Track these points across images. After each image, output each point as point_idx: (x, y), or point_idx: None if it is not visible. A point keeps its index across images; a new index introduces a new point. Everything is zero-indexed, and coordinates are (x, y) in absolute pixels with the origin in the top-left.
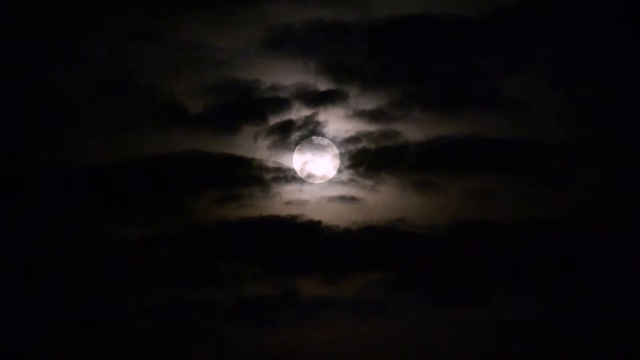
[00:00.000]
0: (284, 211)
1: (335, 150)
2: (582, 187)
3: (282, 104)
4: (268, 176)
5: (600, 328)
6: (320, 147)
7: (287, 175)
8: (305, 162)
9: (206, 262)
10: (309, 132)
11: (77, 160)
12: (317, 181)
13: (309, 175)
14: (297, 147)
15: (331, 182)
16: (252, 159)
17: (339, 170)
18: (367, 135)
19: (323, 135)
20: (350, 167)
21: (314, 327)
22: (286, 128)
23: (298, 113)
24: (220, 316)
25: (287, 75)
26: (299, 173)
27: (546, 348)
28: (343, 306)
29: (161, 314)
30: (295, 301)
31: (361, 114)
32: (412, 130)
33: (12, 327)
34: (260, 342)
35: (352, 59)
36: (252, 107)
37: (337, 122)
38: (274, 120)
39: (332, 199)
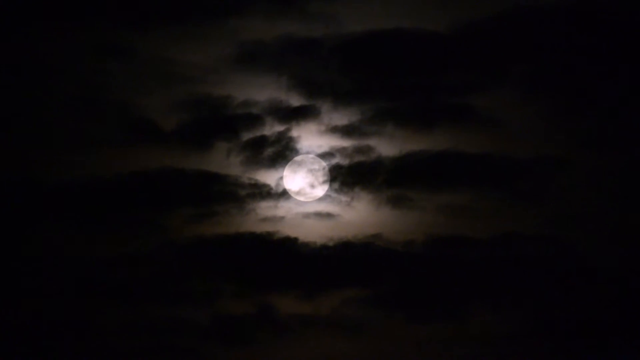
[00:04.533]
0: (259, 228)
1: (310, 166)
2: (556, 201)
3: (254, 120)
4: (243, 192)
5: (577, 341)
6: (295, 163)
7: (262, 192)
8: (280, 178)
9: (181, 280)
10: (282, 148)
11: (49, 178)
12: (292, 197)
13: (284, 192)
14: (271, 163)
15: (306, 198)
16: (227, 176)
17: (313, 186)
18: (340, 151)
19: (297, 151)
20: (325, 182)
21: (291, 345)
22: (259, 144)
23: (271, 129)
24: (196, 334)
25: (259, 91)
26: (274, 189)
27: None
28: (320, 323)
29: (137, 332)
30: (272, 319)
31: (334, 130)
32: (386, 146)
33: None
34: None
35: (324, 75)
36: (225, 123)
37: (310, 138)
38: (246, 136)
39: (307, 215)
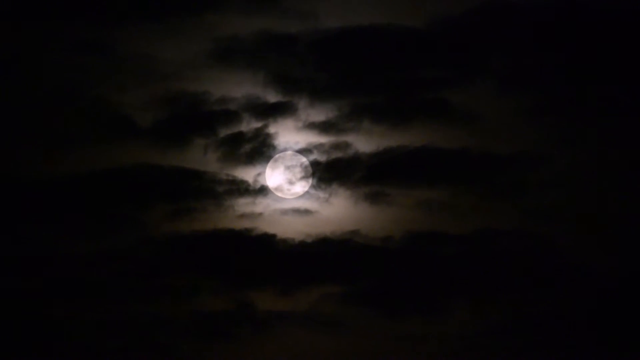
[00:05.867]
0: (237, 224)
1: (287, 162)
2: (534, 197)
3: (231, 116)
4: (220, 189)
5: (556, 338)
6: (272, 159)
7: (240, 188)
8: (258, 175)
9: (159, 277)
10: (260, 144)
11: (25, 175)
12: (270, 193)
13: (262, 188)
14: (249, 160)
15: (285, 194)
16: (204, 172)
17: (292, 183)
18: (318, 147)
19: (274, 147)
20: (303, 179)
21: (269, 341)
22: (236, 140)
23: (248, 125)
24: (174, 331)
25: (235, 87)
26: (252, 185)
27: (501, 359)
28: (298, 320)
29: (114, 329)
30: (250, 315)
31: (311, 126)
32: (363, 142)
33: None
34: (215, 356)
35: (300, 71)
36: (202, 120)
37: (287, 134)
38: (223, 132)
39: (285, 212)
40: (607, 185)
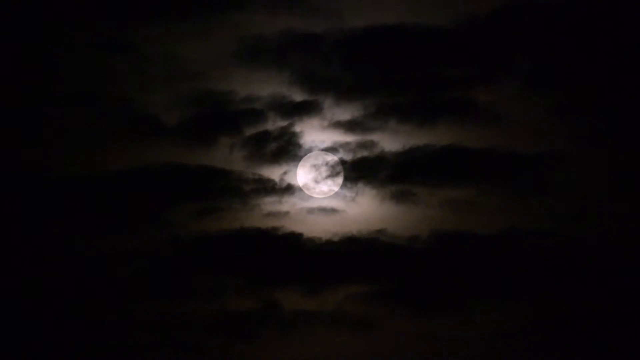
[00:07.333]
0: (264, 223)
1: (313, 161)
2: (560, 196)
3: (257, 115)
4: (247, 188)
5: (582, 338)
6: (298, 158)
7: (266, 187)
8: (284, 173)
9: (186, 276)
10: (285, 143)
11: (52, 174)
12: (296, 192)
13: (288, 187)
14: (275, 158)
15: (311, 193)
16: (230, 171)
17: (317, 182)
18: (343, 146)
19: (300, 146)
20: (329, 178)
21: (295, 340)
22: (262, 139)
23: (274, 124)
24: (201, 330)
25: (261, 86)
26: (278, 184)
27: (527, 359)
28: (324, 319)
29: (141, 328)
30: (276, 315)
31: (337, 125)
32: (389, 141)
33: None
34: (241, 356)
35: (326, 70)
36: (228, 119)
37: (313, 133)
38: (249, 131)
39: (312, 211)
40: (633, 184)
